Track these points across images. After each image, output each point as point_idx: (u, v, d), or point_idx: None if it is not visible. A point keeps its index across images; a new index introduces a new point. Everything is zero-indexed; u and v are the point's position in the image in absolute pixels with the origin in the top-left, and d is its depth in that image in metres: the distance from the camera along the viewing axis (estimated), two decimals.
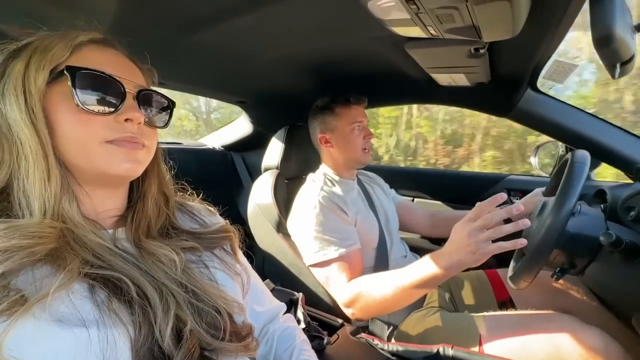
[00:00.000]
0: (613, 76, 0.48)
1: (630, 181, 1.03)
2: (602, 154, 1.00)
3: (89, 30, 0.44)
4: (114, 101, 0.42)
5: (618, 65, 0.46)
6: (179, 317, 0.40)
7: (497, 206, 0.66)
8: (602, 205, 1.04)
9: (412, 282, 0.75)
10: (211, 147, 1.84)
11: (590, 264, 0.77)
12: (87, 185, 0.43)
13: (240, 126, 1.72)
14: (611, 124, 1.01)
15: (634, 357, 0.69)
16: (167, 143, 1.68)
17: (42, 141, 0.39)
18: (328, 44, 0.86)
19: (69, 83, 0.39)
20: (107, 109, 0.41)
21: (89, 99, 0.40)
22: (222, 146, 1.85)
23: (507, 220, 0.67)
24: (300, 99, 1.22)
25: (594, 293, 0.92)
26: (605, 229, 0.74)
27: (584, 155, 0.77)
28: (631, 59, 0.46)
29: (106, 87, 0.41)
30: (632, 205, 0.88)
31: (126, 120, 0.43)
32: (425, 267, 0.73)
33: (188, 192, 0.62)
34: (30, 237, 0.34)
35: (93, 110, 0.40)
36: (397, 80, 1.15)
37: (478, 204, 0.67)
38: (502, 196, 0.64)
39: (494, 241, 0.65)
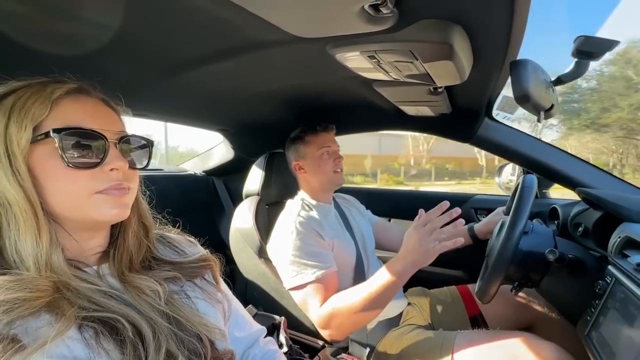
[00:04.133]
0: (539, 121, 0.57)
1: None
2: (551, 175, 1.12)
3: (63, 82, 0.45)
4: (98, 154, 0.44)
5: (542, 113, 0.55)
6: (170, 352, 0.42)
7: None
8: (556, 222, 1.15)
9: (376, 289, 0.84)
10: (192, 173, 1.86)
11: (543, 278, 0.85)
12: (74, 231, 0.45)
13: (221, 152, 1.76)
14: (558, 148, 1.13)
15: None
16: (148, 170, 1.69)
17: (31, 201, 0.40)
18: (302, 82, 0.94)
19: (56, 145, 0.41)
20: (93, 163, 0.43)
21: (75, 156, 0.42)
22: (204, 171, 1.87)
23: None
24: (279, 128, 1.29)
25: (552, 305, 1.00)
26: (553, 246, 0.83)
27: (531, 180, 0.86)
28: (552, 107, 0.55)
29: (90, 142, 0.43)
30: (580, 222, 0.99)
31: (111, 170, 0.45)
32: (386, 273, 0.83)
33: (168, 220, 0.63)
34: (32, 291, 0.37)
35: (80, 166, 0.42)
36: (369, 111, 1.24)
37: (428, 212, 0.81)
38: (446, 203, 0.79)
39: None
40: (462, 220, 0.77)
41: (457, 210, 0.78)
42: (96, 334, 0.39)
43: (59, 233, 0.44)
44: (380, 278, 0.84)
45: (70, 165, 0.42)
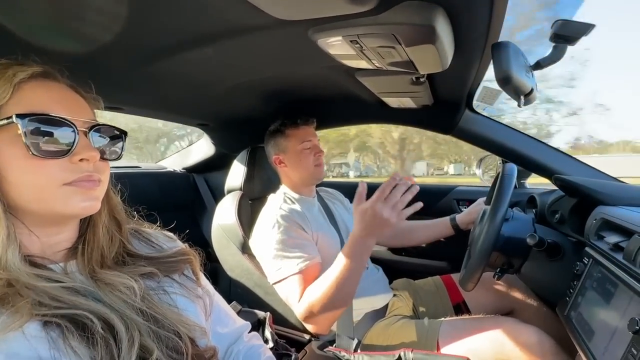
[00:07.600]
0: (519, 105, 0.58)
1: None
2: (529, 165, 1.14)
3: (27, 64, 0.42)
4: (67, 143, 0.41)
5: (522, 97, 0.56)
6: (144, 347, 0.40)
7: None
8: (534, 210, 1.19)
9: (341, 271, 0.84)
10: (172, 170, 1.80)
11: (524, 263, 0.87)
12: (36, 226, 0.42)
13: (202, 148, 1.71)
14: (535, 138, 1.16)
15: (564, 347, 0.80)
16: (125, 167, 1.62)
17: None
18: (284, 72, 0.91)
19: (19, 131, 0.38)
20: (61, 152, 0.40)
21: (41, 144, 0.39)
22: (184, 168, 1.82)
23: None
24: (261, 121, 1.26)
25: (532, 289, 1.03)
26: (533, 231, 0.85)
27: (511, 168, 0.88)
28: (531, 91, 0.56)
29: (57, 130, 0.40)
30: (557, 209, 1.02)
31: (81, 160, 0.42)
32: (347, 253, 0.84)
33: (147, 218, 0.60)
34: None
35: (47, 155, 0.39)
36: (351, 103, 1.23)
37: (380, 188, 0.80)
38: (398, 174, 0.82)
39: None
40: (416, 187, 0.80)
41: (411, 179, 0.81)
42: (62, 332, 0.36)
43: (17, 228, 0.40)
44: (343, 259, 0.84)
45: (36, 154, 0.38)
